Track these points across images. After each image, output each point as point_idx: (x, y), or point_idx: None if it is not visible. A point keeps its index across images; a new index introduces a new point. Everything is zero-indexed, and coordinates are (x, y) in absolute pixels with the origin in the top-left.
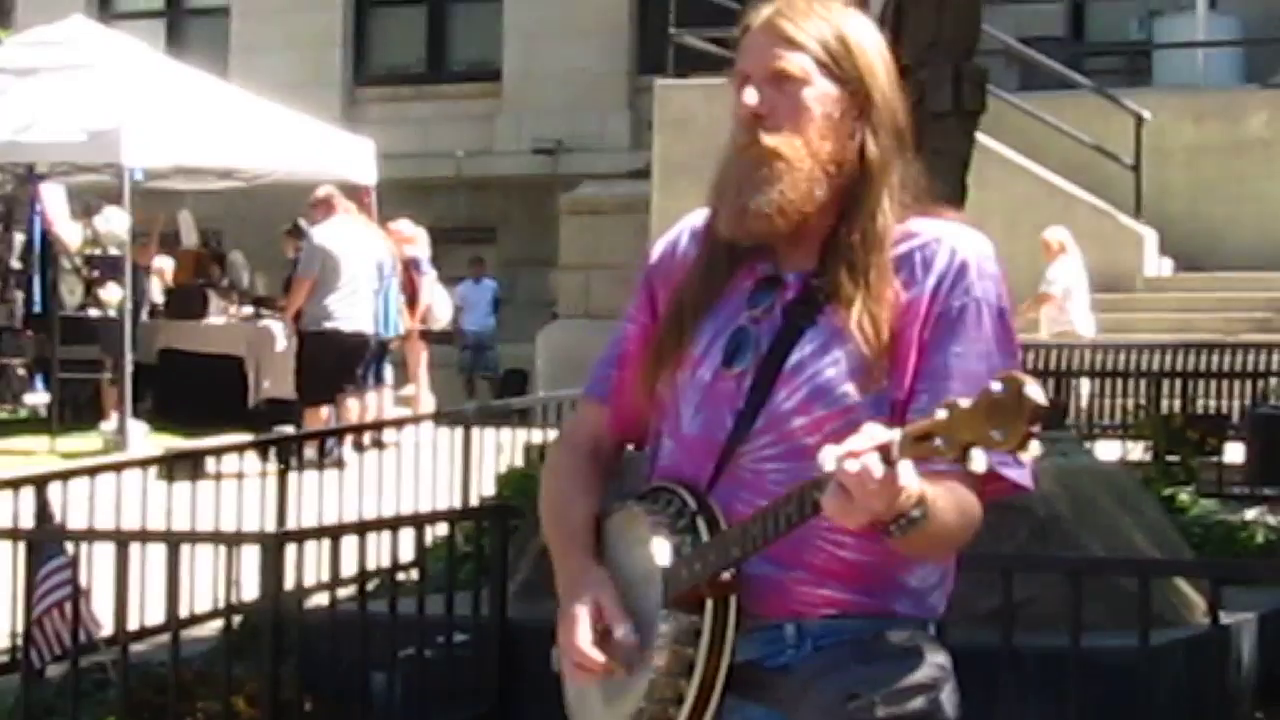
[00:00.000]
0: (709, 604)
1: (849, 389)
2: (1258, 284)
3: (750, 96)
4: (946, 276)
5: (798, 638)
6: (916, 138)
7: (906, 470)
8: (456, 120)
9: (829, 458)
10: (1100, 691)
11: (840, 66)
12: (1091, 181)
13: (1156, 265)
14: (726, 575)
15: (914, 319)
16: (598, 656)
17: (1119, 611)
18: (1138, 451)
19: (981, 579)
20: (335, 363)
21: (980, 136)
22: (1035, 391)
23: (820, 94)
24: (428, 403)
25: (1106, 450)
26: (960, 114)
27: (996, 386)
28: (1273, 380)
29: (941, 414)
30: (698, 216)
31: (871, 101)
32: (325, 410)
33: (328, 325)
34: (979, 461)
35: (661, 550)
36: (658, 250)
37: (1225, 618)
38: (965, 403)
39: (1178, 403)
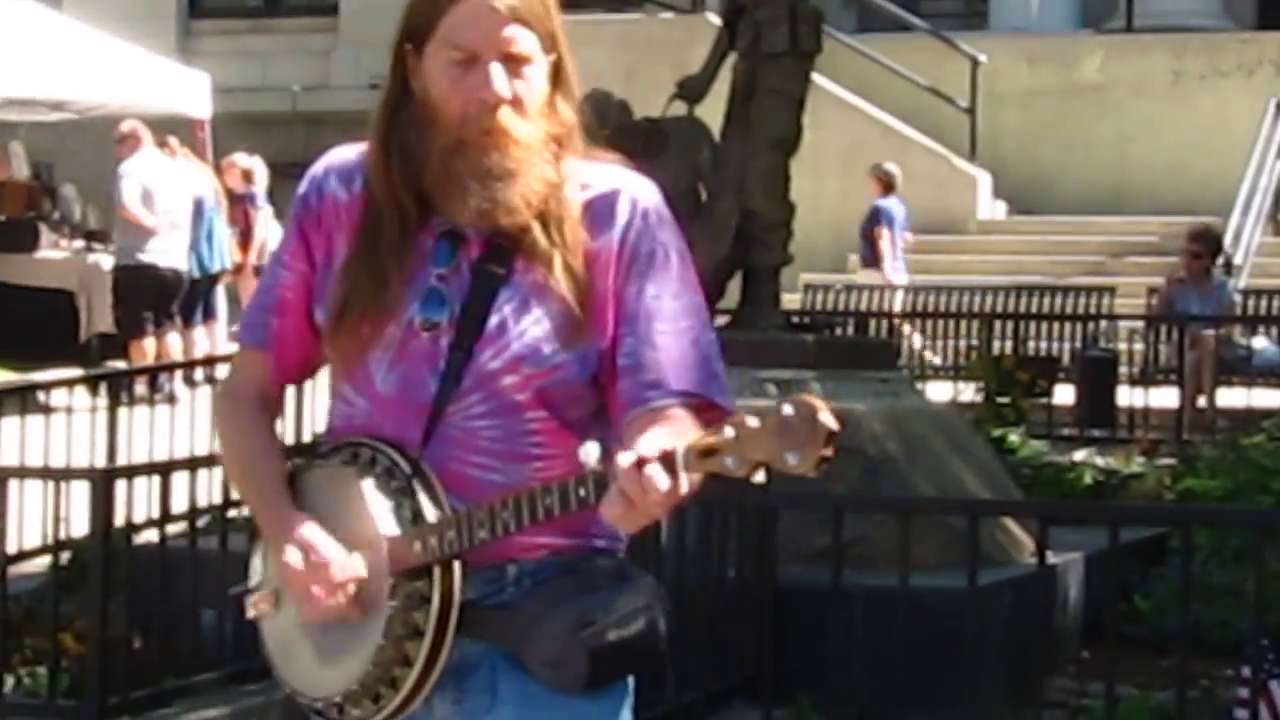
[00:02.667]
0: (436, 571)
1: (556, 346)
2: (1089, 228)
3: (502, 84)
4: (632, 225)
5: (518, 577)
6: (753, 78)
7: (685, 479)
8: (293, 54)
9: (591, 455)
10: (928, 630)
11: (546, 36)
12: (927, 124)
13: (990, 208)
14: None
15: (605, 268)
16: (332, 599)
17: (948, 551)
18: (969, 393)
19: (811, 518)
20: (150, 297)
21: (816, 78)
22: (829, 418)
23: (541, 71)
24: None
25: (938, 391)
26: (796, 55)
27: (788, 410)
28: (1102, 323)
29: (729, 432)
30: (344, 154)
31: (563, 58)
32: (149, 344)
33: (140, 259)
34: (761, 476)
35: (386, 519)
36: (302, 190)
37: (1052, 558)
38: (753, 422)
39: (1009, 345)
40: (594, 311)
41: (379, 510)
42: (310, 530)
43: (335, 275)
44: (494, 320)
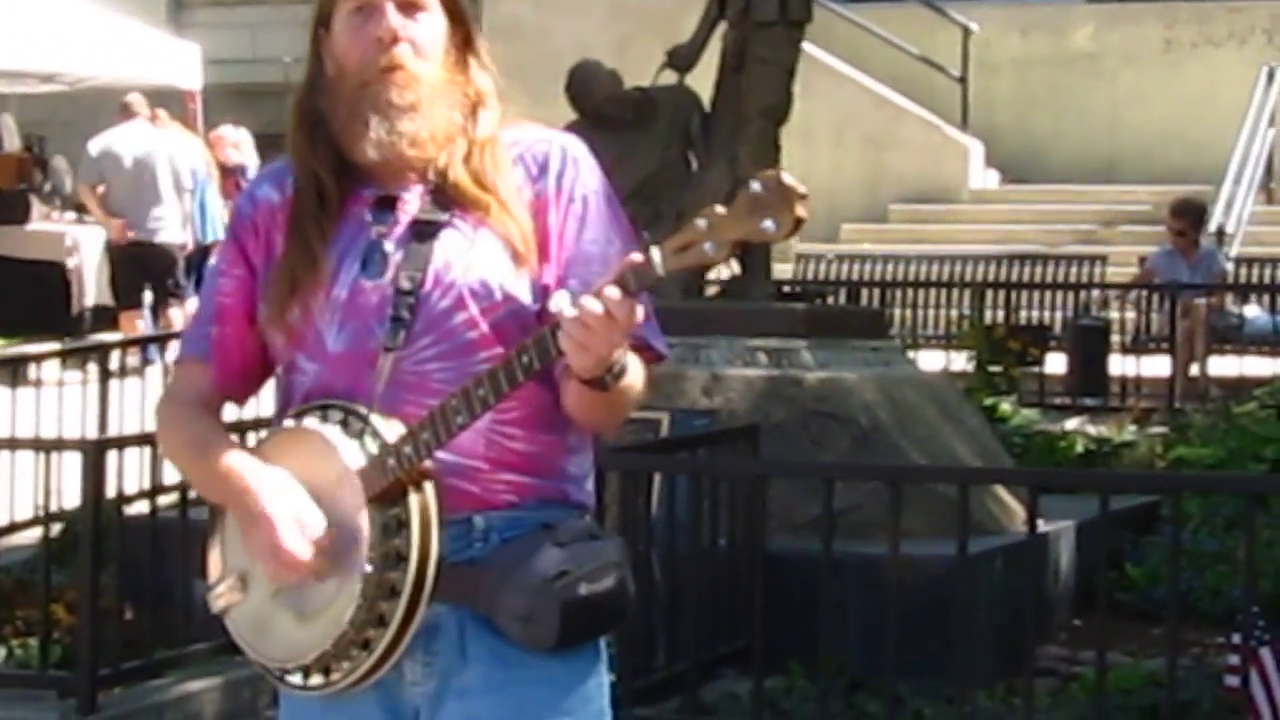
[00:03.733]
0: (410, 492)
1: (505, 278)
2: (1081, 196)
3: (396, 19)
4: (565, 173)
5: (485, 531)
6: (743, 47)
7: (640, 306)
8: (285, 26)
9: (564, 303)
10: (919, 599)
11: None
12: (919, 93)
13: (982, 177)
14: (429, 463)
15: (545, 208)
16: (307, 552)
17: (939, 520)
18: (960, 361)
19: (803, 487)
20: (142, 270)
21: (808, 47)
22: (795, 181)
23: (441, 25)
24: None
25: (930, 360)
26: (786, 24)
27: (756, 186)
28: (1094, 292)
29: (702, 222)
30: (274, 166)
31: (470, 29)
32: (142, 315)
33: (132, 233)
34: (736, 267)
35: (352, 454)
36: (238, 205)
37: (1044, 526)
38: (721, 209)
39: (1001, 313)
40: (536, 245)
41: (344, 449)
42: (283, 497)
43: (275, 264)
44: (438, 261)
